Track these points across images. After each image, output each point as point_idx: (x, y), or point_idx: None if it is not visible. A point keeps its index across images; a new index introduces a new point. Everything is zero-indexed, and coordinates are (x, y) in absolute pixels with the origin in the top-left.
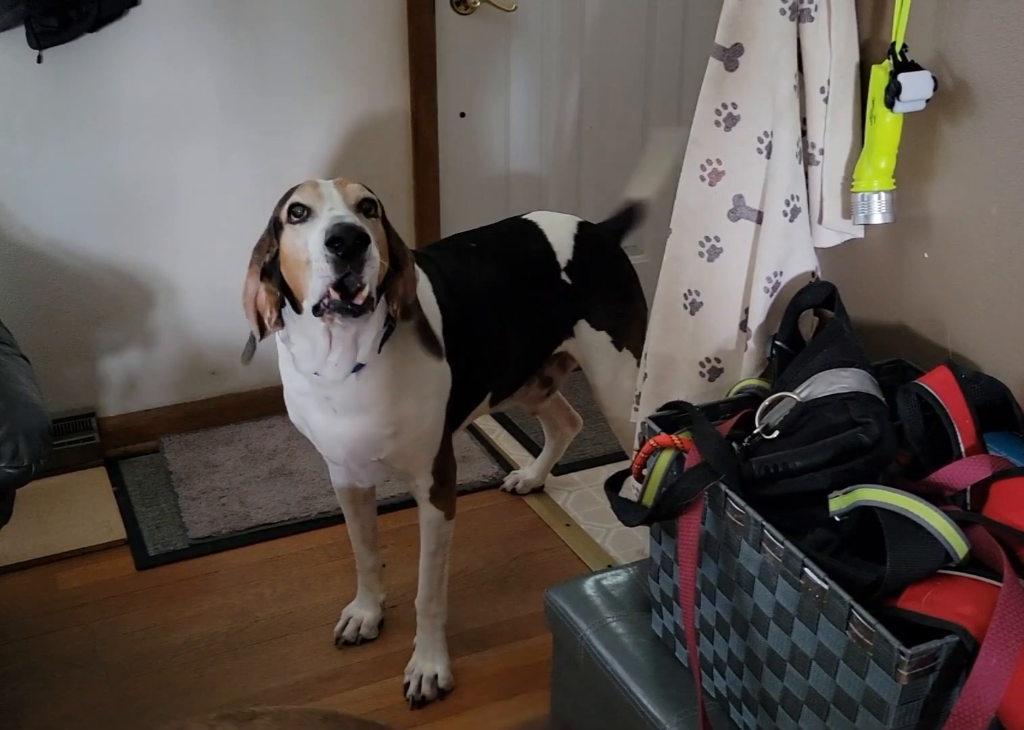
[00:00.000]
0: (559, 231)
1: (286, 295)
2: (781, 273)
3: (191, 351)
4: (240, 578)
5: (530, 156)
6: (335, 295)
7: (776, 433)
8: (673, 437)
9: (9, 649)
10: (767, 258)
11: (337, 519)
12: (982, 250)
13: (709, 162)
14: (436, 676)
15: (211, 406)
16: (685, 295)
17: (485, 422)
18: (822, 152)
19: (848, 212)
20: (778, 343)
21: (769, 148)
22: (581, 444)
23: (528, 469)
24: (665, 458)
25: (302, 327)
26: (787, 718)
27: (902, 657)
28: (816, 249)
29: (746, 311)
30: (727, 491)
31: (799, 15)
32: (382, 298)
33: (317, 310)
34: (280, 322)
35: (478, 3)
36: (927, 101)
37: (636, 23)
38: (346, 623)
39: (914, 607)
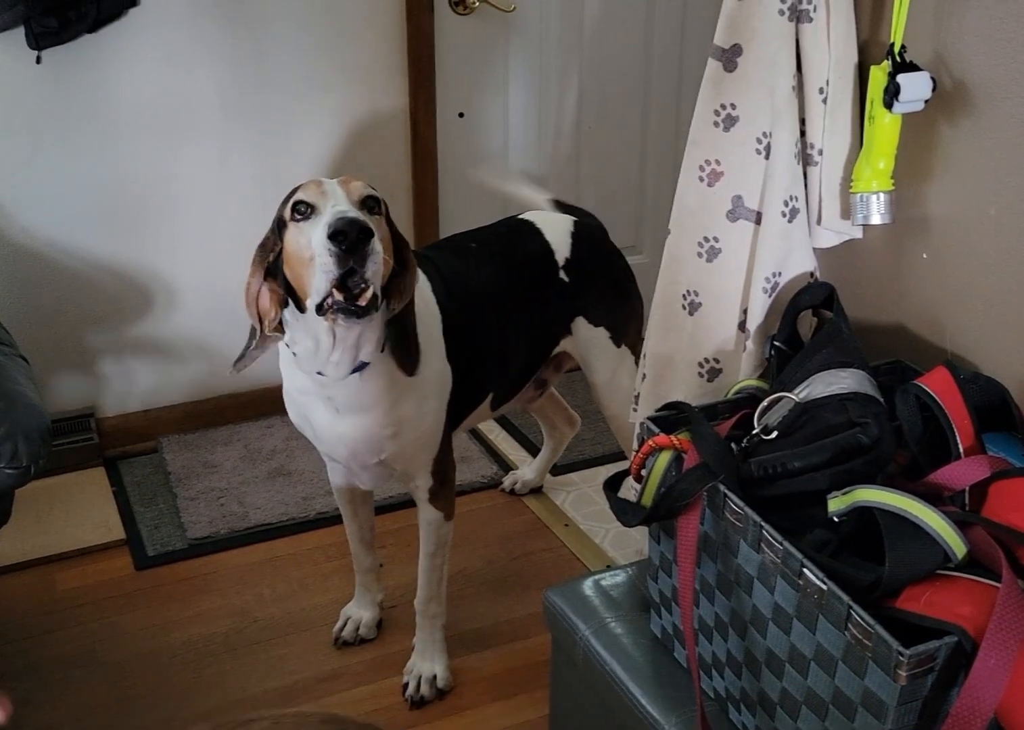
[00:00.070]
0: (556, 230)
1: (290, 295)
2: (780, 274)
3: (190, 351)
4: (239, 578)
5: (529, 156)
6: (339, 296)
7: (775, 433)
8: (672, 437)
9: (8, 649)
10: (766, 259)
11: (335, 519)
12: (981, 251)
13: (708, 162)
14: (435, 676)
15: (210, 406)
16: (684, 295)
17: (484, 422)
18: (821, 153)
19: (847, 213)
20: (777, 344)
21: (768, 149)
22: (580, 444)
23: (527, 469)
24: (664, 459)
25: (306, 326)
26: (786, 718)
27: (901, 658)
28: (815, 250)
29: (745, 311)
30: (726, 491)
31: (798, 16)
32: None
33: (321, 309)
34: (280, 328)
35: (477, 3)
36: (926, 102)
37: (635, 23)
38: (344, 623)
39: (913, 608)
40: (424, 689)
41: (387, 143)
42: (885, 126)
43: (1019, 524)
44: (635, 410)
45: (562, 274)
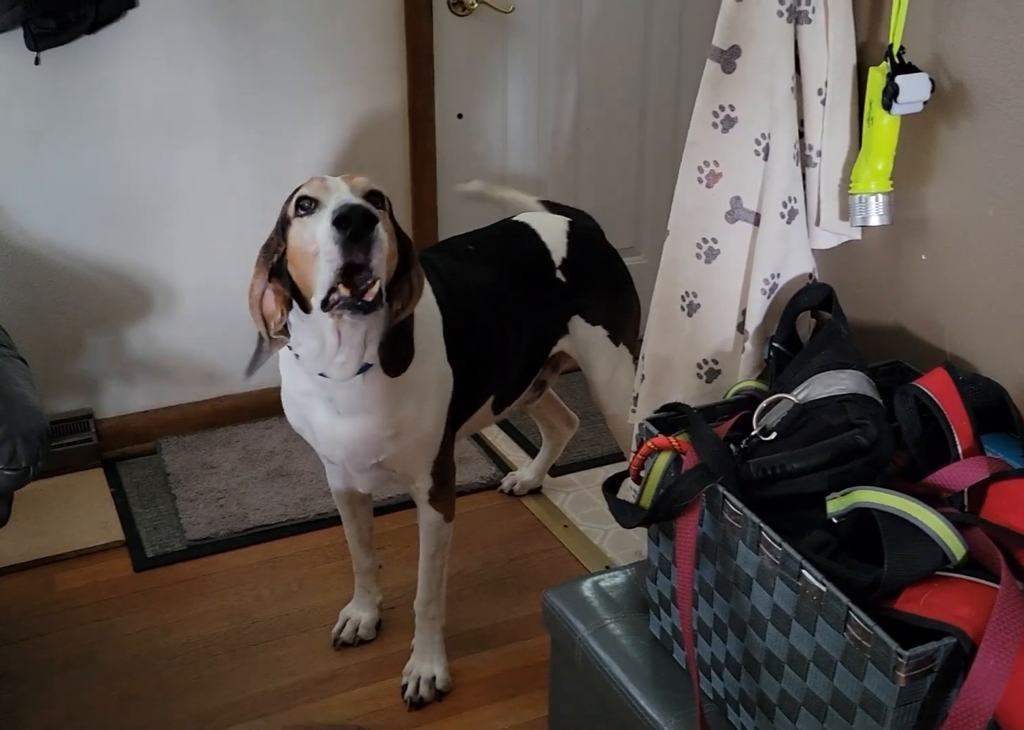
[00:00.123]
0: (551, 230)
1: (294, 296)
2: (778, 275)
3: (189, 353)
4: (238, 579)
5: (527, 157)
6: (345, 292)
7: (774, 435)
8: (671, 439)
9: (7, 650)
10: (764, 260)
11: (334, 520)
12: (979, 252)
13: (707, 164)
14: (434, 677)
15: (209, 407)
16: (683, 297)
17: None
18: (819, 154)
19: (845, 214)
20: (775, 345)
21: (766, 150)
22: (579, 445)
23: (526, 470)
24: (663, 460)
25: (310, 326)
26: (785, 720)
27: (900, 659)
28: (813, 251)
29: (743, 313)
30: (725, 493)
31: (796, 17)
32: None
33: (326, 305)
34: (285, 330)
35: (475, 5)
36: (924, 103)
37: (633, 25)
38: (343, 624)
39: (912, 609)
40: (423, 690)
41: (386, 144)
42: (884, 127)
43: (1018, 525)
44: (634, 411)
45: (559, 274)
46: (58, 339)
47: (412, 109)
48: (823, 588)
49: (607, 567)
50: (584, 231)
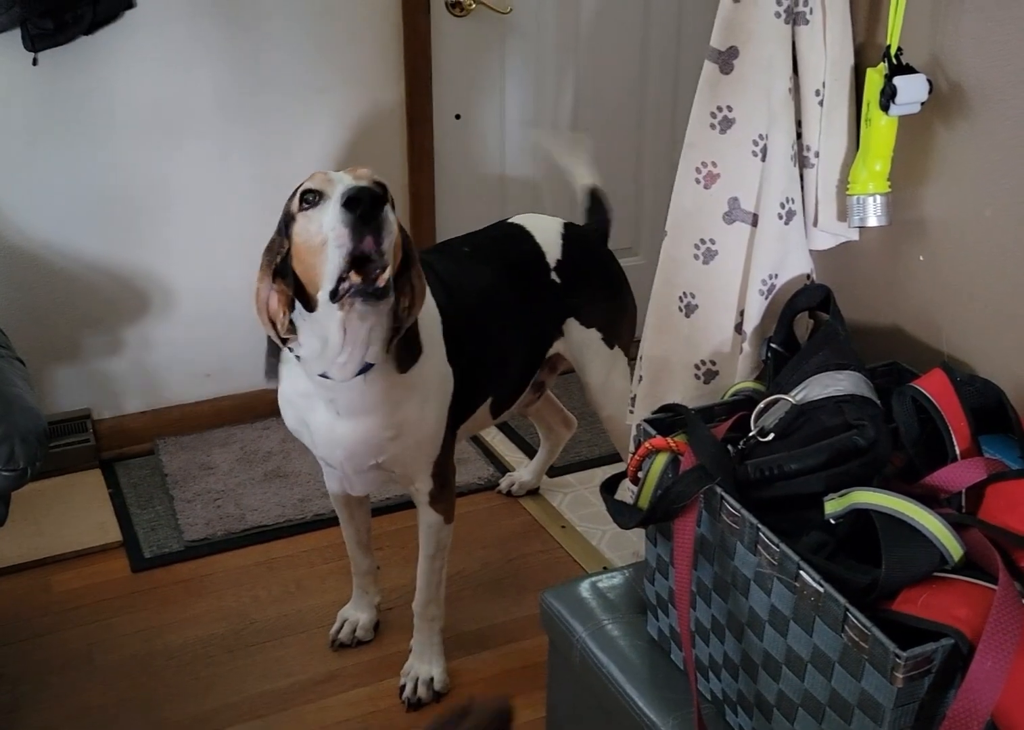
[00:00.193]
0: (546, 232)
1: (298, 296)
2: (776, 276)
3: (187, 353)
4: (235, 580)
5: (525, 157)
6: (356, 278)
7: (771, 436)
8: (669, 440)
9: (4, 651)
10: (762, 261)
11: (332, 521)
12: (977, 252)
13: (704, 164)
14: (432, 678)
15: (206, 408)
16: (680, 297)
17: None
18: (817, 155)
19: (843, 215)
20: (773, 346)
21: (764, 151)
22: (576, 446)
23: (523, 471)
24: (660, 461)
25: (314, 326)
26: (783, 721)
27: (897, 660)
28: (811, 252)
29: (741, 314)
30: (722, 494)
31: (794, 18)
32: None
33: (336, 296)
34: (292, 330)
35: (473, 5)
36: (922, 104)
37: (631, 25)
38: (341, 625)
39: (909, 610)
40: (421, 691)
41: (384, 144)
42: (881, 128)
43: (1015, 526)
44: (631, 412)
45: (554, 276)
46: (56, 339)
47: (410, 109)
48: (821, 589)
49: (605, 568)
50: (580, 234)
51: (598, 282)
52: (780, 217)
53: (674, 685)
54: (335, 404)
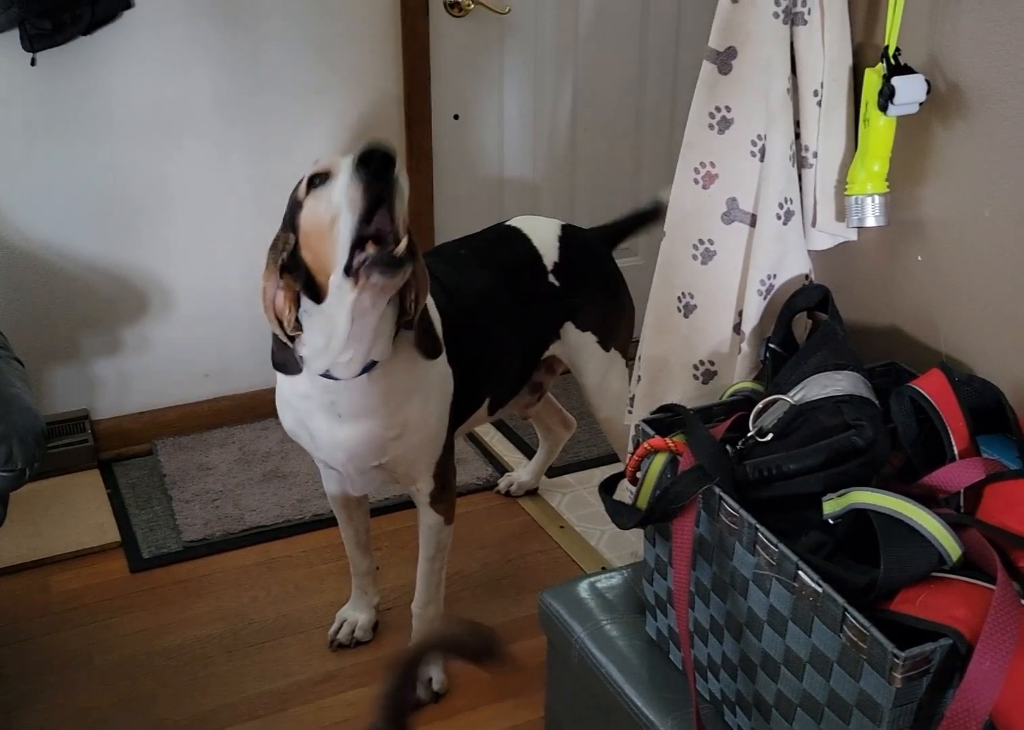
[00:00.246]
0: (542, 234)
1: (306, 290)
2: (775, 276)
3: (185, 353)
4: (234, 581)
5: (524, 158)
6: (372, 248)
7: (770, 436)
8: (667, 440)
9: (3, 652)
10: (761, 261)
11: (331, 521)
12: (975, 253)
13: (703, 165)
14: (431, 679)
15: (205, 408)
16: (679, 298)
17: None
18: (815, 155)
19: (841, 215)
20: (772, 346)
21: (762, 151)
22: (575, 446)
23: (522, 471)
24: (659, 461)
25: (321, 318)
26: (781, 721)
27: (896, 660)
28: (810, 252)
29: (740, 314)
30: (721, 494)
31: (792, 18)
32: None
33: (350, 270)
34: (299, 327)
35: (472, 5)
36: (920, 104)
37: (630, 26)
38: (340, 626)
39: (908, 610)
40: (420, 691)
41: None
42: (880, 129)
43: (1014, 526)
44: (630, 412)
45: (551, 278)
46: (54, 340)
47: (408, 110)
48: (819, 589)
49: (603, 568)
50: (577, 235)
51: (596, 284)
52: (778, 217)
53: (673, 685)
54: (337, 406)
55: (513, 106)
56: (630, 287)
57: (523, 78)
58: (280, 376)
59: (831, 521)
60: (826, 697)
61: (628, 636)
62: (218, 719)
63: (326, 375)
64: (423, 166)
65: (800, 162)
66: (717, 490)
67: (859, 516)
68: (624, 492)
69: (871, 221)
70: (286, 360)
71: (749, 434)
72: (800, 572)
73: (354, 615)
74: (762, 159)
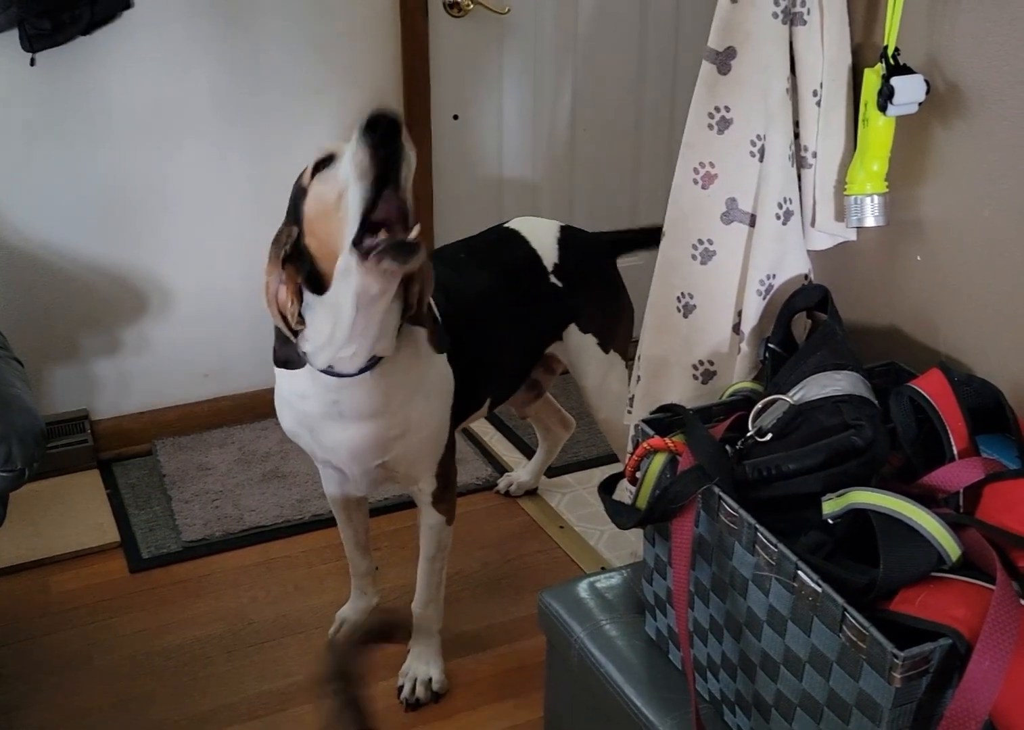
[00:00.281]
0: (541, 236)
1: (309, 283)
2: (774, 276)
3: (184, 353)
4: (234, 581)
5: (523, 158)
6: (383, 235)
7: (769, 436)
8: (667, 440)
9: (3, 652)
10: (760, 261)
11: (330, 522)
12: (974, 252)
13: (702, 165)
14: (430, 679)
15: (204, 409)
16: (678, 298)
17: (478, 424)
18: (815, 155)
19: (841, 215)
20: (771, 346)
21: (762, 151)
22: (574, 446)
23: (521, 471)
24: (659, 461)
25: (326, 307)
26: (781, 721)
27: (895, 660)
28: (809, 252)
29: (739, 314)
30: (720, 494)
31: (791, 18)
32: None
33: (359, 244)
34: (302, 321)
35: (471, 6)
36: (919, 104)
37: (629, 26)
38: (340, 626)
39: (907, 610)
40: (419, 691)
41: None
42: (879, 129)
43: (1013, 526)
44: (629, 412)
45: (553, 279)
46: (54, 340)
47: (408, 110)
48: (819, 589)
49: (603, 568)
50: (576, 237)
51: (596, 285)
52: (778, 217)
53: (672, 685)
54: (339, 405)
55: (512, 106)
56: (630, 287)
57: (522, 78)
58: (279, 376)
59: (830, 521)
60: (825, 697)
61: (628, 636)
62: (218, 719)
63: (329, 372)
64: (422, 166)
65: (799, 162)
66: (716, 490)
67: (858, 516)
68: (623, 492)
69: (870, 221)
70: (288, 356)
71: (748, 434)
72: (799, 572)
73: (354, 615)
74: (761, 159)
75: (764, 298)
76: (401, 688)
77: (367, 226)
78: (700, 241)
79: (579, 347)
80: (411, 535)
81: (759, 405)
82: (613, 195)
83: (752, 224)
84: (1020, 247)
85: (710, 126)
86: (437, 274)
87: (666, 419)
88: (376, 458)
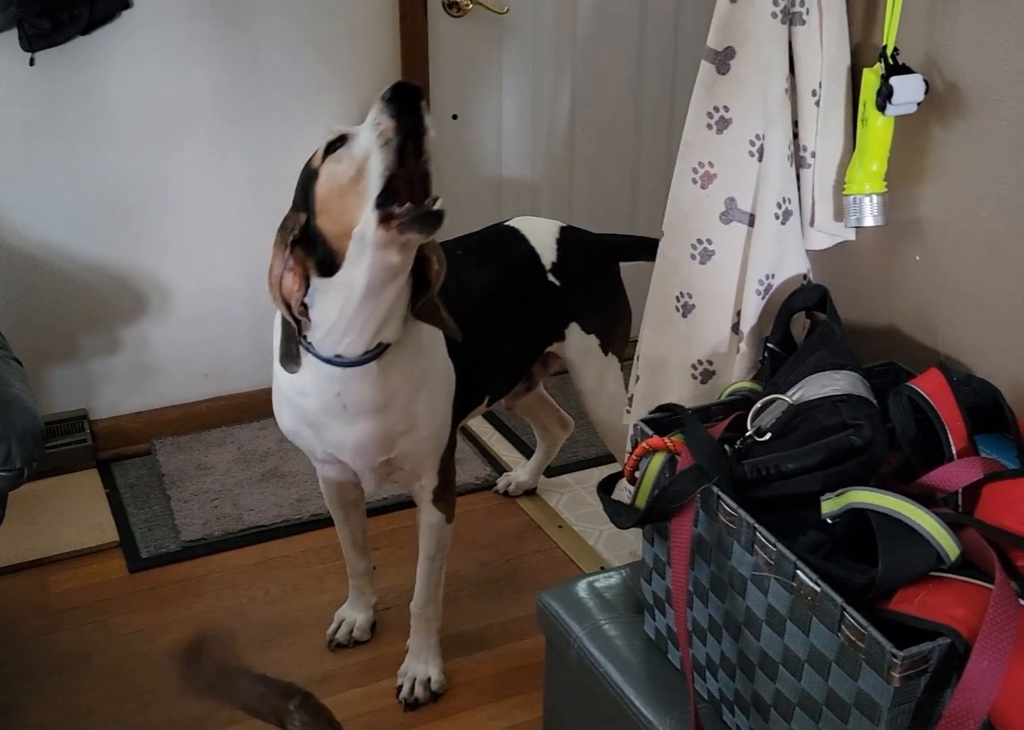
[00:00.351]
0: (540, 234)
1: (318, 265)
2: (773, 276)
3: (184, 353)
4: (232, 580)
5: (523, 158)
6: (406, 204)
7: (768, 435)
8: (665, 440)
9: (2, 652)
10: (759, 261)
11: (329, 521)
12: (974, 252)
13: (701, 164)
14: (429, 679)
15: (203, 408)
16: (677, 297)
17: (477, 424)
18: (814, 155)
19: (840, 215)
20: (770, 345)
21: (761, 151)
22: (573, 446)
23: (520, 471)
24: (657, 460)
25: (333, 289)
26: (779, 720)
27: (894, 659)
28: (808, 252)
29: (738, 313)
30: (719, 493)
31: (791, 18)
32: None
33: (384, 206)
34: (306, 312)
35: (470, 5)
36: (918, 104)
37: (628, 26)
38: (338, 626)
39: (906, 609)
40: (418, 691)
41: None
42: (878, 128)
43: (1012, 525)
44: (628, 412)
45: (551, 277)
46: (53, 340)
47: None
48: (817, 588)
49: (602, 568)
50: (576, 236)
51: (596, 285)
52: (777, 217)
53: (671, 685)
54: (343, 397)
55: (512, 106)
56: (630, 287)
57: (522, 78)
58: (279, 374)
59: (829, 521)
60: (824, 696)
61: (626, 636)
62: (217, 719)
63: (334, 361)
64: None
65: (798, 162)
66: (715, 490)
67: (857, 516)
68: (622, 492)
69: (869, 221)
70: (290, 352)
71: (747, 434)
72: (798, 571)
73: (352, 615)
74: (760, 159)
75: (763, 298)
76: (400, 688)
77: (389, 196)
78: (699, 241)
79: (581, 348)
80: (409, 535)
81: (758, 405)
82: (612, 195)
83: (751, 224)
84: (1019, 247)
85: (709, 126)
86: None
87: (665, 419)
88: (382, 454)
